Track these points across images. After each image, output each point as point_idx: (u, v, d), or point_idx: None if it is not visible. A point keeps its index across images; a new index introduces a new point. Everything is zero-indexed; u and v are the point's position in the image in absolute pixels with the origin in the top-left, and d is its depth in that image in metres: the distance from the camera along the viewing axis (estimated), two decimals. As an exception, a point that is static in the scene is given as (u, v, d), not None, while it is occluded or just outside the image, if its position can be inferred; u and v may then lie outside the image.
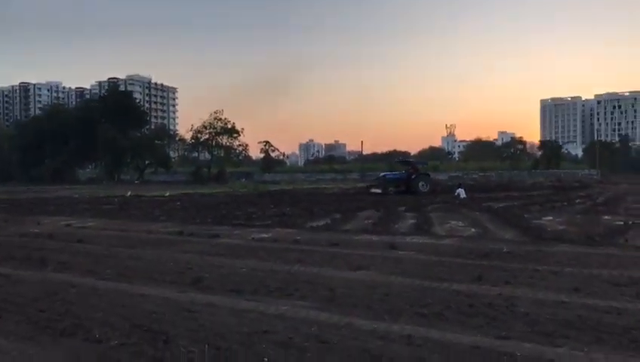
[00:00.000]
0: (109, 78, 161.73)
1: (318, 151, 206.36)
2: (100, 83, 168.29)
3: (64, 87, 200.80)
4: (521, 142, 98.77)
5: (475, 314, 5.72)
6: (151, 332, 5.14)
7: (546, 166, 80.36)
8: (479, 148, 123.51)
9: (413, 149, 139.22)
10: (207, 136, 78.49)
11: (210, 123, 77.47)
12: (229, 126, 77.81)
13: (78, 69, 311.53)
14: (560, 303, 6.13)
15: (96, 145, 69.70)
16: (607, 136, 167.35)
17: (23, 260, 9.59)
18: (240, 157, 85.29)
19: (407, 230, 13.91)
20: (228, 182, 63.49)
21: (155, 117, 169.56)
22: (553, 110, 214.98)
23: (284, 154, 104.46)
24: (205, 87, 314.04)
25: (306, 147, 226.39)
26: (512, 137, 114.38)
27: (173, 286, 7.21)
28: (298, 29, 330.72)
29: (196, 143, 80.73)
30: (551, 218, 16.94)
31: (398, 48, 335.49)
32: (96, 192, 38.03)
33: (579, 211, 19.68)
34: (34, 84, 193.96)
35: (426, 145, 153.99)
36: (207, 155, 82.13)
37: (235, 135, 78.42)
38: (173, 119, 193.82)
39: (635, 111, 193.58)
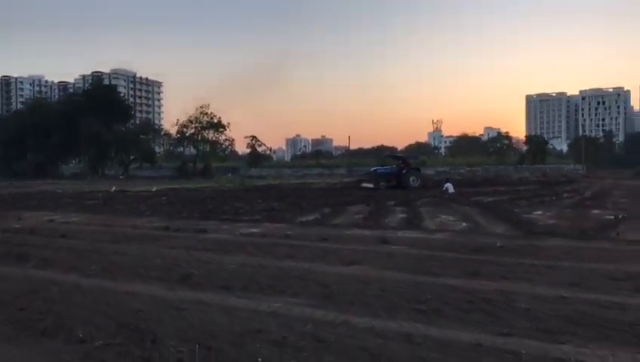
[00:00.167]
0: (93, 72, 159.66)
1: (305, 147, 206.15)
2: (83, 77, 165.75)
3: (47, 81, 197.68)
4: (507, 137, 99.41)
5: (474, 310, 5.55)
6: (138, 332, 4.88)
7: (532, 161, 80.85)
8: (465, 144, 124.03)
9: (400, 144, 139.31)
10: (192, 130, 77.65)
11: (195, 117, 76.63)
12: (215, 120, 77.05)
13: (62, 63, 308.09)
14: (560, 298, 5.98)
15: (79, 140, 68.69)
16: (591, 131, 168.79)
17: (3, 256, 9.23)
18: (226, 152, 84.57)
19: (397, 224, 13.76)
20: (214, 177, 62.91)
21: (140, 111, 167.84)
22: (538, 106, 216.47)
23: (270, 149, 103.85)
24: (191, 82, 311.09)
25: (292, 142, 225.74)
26: (498, 132, 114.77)
27: (161, 283, 6.94)
28: (284, 24, 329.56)
29: (182, 138, 79.90)
30: (540, 212, 16.91)
31: (384, 44, 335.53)
32: (80, 187, 37.39)
33: (567, 205, 19.71)
34: (16, 78, 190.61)
35: (412, 141, 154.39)
36: (193, 150, 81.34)
37: (221, 129, 77.66)
38: (159, 113, 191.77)
39: (618, 107, 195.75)
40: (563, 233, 11.62)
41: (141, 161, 79.06)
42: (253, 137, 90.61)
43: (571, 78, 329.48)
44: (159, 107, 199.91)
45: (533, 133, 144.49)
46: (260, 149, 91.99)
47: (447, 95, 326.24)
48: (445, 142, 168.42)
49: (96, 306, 5.81)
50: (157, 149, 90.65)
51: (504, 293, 6.21)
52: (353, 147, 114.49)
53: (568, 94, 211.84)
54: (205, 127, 77.14)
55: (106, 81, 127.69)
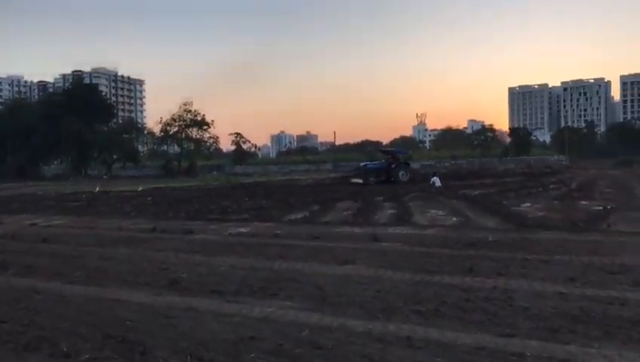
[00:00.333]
0: (74, 71, 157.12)
1: (290, 143, 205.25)
2: (63, 76, 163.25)
3: (26, 81, 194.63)
4: (491, 130, 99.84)
5: (474, 310, 5.40)
6: (126, 343, 4.66)
7: (516, 153, 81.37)
8: (450, 137, 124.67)
9: (385, 139, 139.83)
10: (176, 128, 76.94)
11: (179, 115, 75.91)
12: (199, 118, 76.39)
13: (41, 63, 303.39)
14: (558, 294, 5.87)
15: (61, 140, 67.62)
16: (573, 122, 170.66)
17: (-18, 264, 8.89)
18: (211, 150, 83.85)
19: (387, 220, 13.60)
20: (199, 175, 62.39)
21: (123, 110, 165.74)
22: (521, 98, 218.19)
23: (255, 146, 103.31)
24: (174, 80, 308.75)
25: (277, 138, 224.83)
26: (482, 125, 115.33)
27: (149, 289, 6.70)
28: (267, 19, 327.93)
29: (165, 136, 79.10)
30: (529, 204, 16.88)
31: (368, 39, 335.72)
32: (63, 189, 36.71)
33: (555, 197, 19.71)
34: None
35: (397, 135, 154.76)
36: (177, 148, 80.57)
37: (205, 127, 77.03)
38: (141, 112, 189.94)
39: (599, 97, 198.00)
40: (554, 225, 11.55)
41: (124, 160, 78.08)
42: (238, 134, 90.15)
43: (553, 69, 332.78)
44: (142, 105, 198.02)
45: (516, 125, 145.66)
46: (244, 146, 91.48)
47: (431, 89, 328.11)
48: (430, 135, 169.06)
49: (81, 316, 5.57)
50: (140, 148, 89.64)
51: (502, 291, 6.08)
52: (339, 142, 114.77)
53: (550, 86, 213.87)
54: (189, 125, 76.48)
55: (87, 80, 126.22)
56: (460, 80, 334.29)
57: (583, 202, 17.17)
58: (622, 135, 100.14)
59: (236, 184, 38.72)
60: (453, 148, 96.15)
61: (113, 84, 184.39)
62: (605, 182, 29.52)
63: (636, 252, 8.30)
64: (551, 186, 26.28)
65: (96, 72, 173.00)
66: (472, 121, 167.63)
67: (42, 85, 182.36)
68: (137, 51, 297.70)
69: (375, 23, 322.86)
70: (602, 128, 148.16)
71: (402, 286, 6.44)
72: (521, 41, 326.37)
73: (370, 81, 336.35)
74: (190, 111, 75.76)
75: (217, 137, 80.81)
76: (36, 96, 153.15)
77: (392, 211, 15.63)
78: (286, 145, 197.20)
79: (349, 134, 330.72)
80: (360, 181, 32.16)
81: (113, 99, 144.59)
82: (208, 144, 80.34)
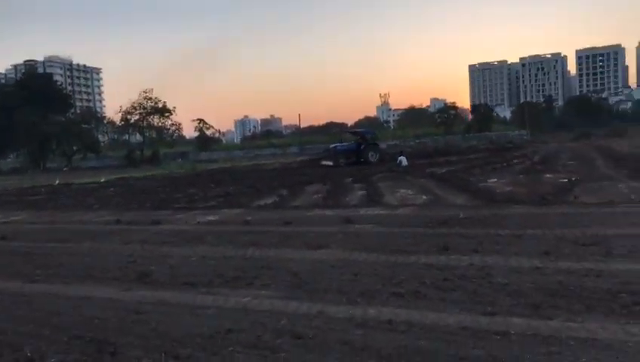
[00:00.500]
0: (25, 61, 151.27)
1: (254, 127, 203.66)
2: (15, 66, 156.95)
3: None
4: (453, 107, 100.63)
5: (453, 289, 5.34)
6: (95, 344, 4.40)
7: (478, 129, 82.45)
8: (413, 116, 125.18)
9: (350, 120, 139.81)
10: (137, 117, 75.01)
11: (139, 103, 73.88)
12: (160, 105, 74.63)
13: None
14: (535, 269, 5.87)
15: (16, 133, 65.17)
16: (532, 97, 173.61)
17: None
18: (173, 137, 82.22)
19: (358, 202, 13.52)
20: (162, 163, 61.18)
21: (80, 100, 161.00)
22: (481, 75, 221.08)
23: (219, 132, 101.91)
24: (132, 68, 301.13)
25: (241, 123, 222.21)
26: (444, 103, 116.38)
27: (117, 284, 6.42)
28: (225, 3, 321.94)
29: (126, 125, 77.03)
30: (495, 180, 17.07)
31: (328, 21, 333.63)
32: (21, 183, 35.40)
33: (519, 171, 20.00)
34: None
35: (362, 116, 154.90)
36: (139, 137, 78.72)
37: (167, 114, 75.36)
38: (100, 101, 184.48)
39: (557, 72, 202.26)
40: (522, 200, 11.66)
41: (85, 151, 75.79)
42: (201, 120, 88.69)
43: (512, 46, 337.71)
44: (100, 94, 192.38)
45: (477, 102, 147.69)
46: (208, 132, 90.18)
47: (393, 69, 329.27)
48: (393, 115, 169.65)
49: (45, 317, 5.28)
50: (101, 138, 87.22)
51: (479, 268, 6.05)
52: (303, 125, 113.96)
53: (509, 62, 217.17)
54: (150, 113, 74.63)
55: (40, 70, 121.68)
56: (422, 59, 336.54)
57: (548, 175, 17.45)
58: (579, 108, 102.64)
59: (202, 171, 38.05)
60: (416, 127, 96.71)
61: (68, 73, 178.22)
62: (567, 154, 30.17)
63: (605, 223, 8.42)
64: (515, 161, 26.69)
65: (50, 61, 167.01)
66: (434, 100, 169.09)
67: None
68: (93, 39, 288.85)
69: (334, 3, 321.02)
70: (560, 102, 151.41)
71: (379, 268, 6.34)
72: (480, 19, 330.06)
73: (333, 62, 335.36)
74: (151, 98, 73.96)
75: (180, 124, 79.43)
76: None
77: (362, 192, 15.55)
78: (250, 129, 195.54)
79: (313, 117, 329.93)
80: (330, 163, 32.01)
81: (69, 88, 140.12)
82: (171, 131, 78.77)
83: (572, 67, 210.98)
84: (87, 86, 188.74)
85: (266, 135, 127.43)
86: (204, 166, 47.62)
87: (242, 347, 4.15)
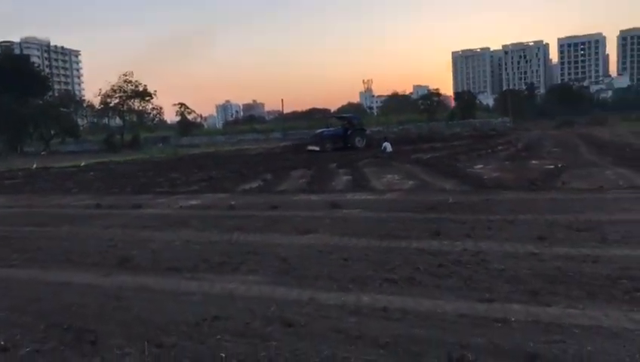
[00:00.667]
0: (1, 42, 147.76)
1: (236, 112, 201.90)
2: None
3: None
4: (436, 94, 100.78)
5: (448, 275, 5.17)
6: (73, 332, 4.15)
7: (462, 116, 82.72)
8: (396, 103, 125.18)
9: (333, 106, 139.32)
10: (117, 100, 73.59)
11: (119, 86, 72.47)
12: (141, 89, 73.30)
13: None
14: (531, 255, 5.73)
15: (-9, 116, 63.60)
16: (514, 85, 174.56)
17: None
18: (154, 122, 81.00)
19: (344, 187, 13.32)
20: (143, 148, 60.34)
21: (58, 82, 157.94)
22: (464, 62, 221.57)
23: (201, 117, 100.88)
24: (111, 49, 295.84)
25: (223, 108, 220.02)
26: (427, 90, 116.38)
27: (97, 269, 6.14)
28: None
29: (106, 109, 75.52)
30: (481, 166, 17.01)
31: (311, 6, 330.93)
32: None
33: (505, 158, 19.97)
34: None
35: (345, 102, 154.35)
36: (119, 121, 77.37)
37: (148, 98, 74.08)
38: (79, 84, 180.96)
39: (539, 60, 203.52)
40: (511, 186, 11.58)
41: (63, 135, 74.36)
42: (182, 105, 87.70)
43: (495, 33, 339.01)
44: (79, 77, 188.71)
45: (460, 89, 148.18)
46: (190, 117, 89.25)
47: (376, 55, 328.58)
48: (377, 101, 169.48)
49: (21, 303, 4.99)
50: (80, 122, 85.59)
51: (473, 253, 5.89)
52: (286, 111, 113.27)
53: (492, 49, 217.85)
54: (130, 96, 73.22)
55: (17, 52, 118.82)
56: (405, 46, 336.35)
57: (534, 161, 17.44)
58: (561, 96, 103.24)
59: (183, 155, 37.55)
60: (400, 113, 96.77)
61: (46, 55, 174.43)
62: (550, 142, 30.30)
63: (597, 208, 8.34)
64: (499, 148, 26.69)
65: (27, 42, 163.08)
66: (417, 87, 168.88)
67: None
68: (71, 20, 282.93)
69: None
70: (542, 90, 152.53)
71: (370, 253, 6.15)
72: (463, 6, 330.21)
73: (317, 48, 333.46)
74: (131, 81, 72.56)
75: (161, 108, 78.19)
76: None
77: (347, 177, 15.36)
78: (232, 114, 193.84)
79: (296, 102, 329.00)
80: (317, 148, 31.72)
81: (47, 71, 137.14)
82: (152, 115, 77.55)
83: (554, 55, 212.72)
84: (66, 69, 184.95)
85: (248, 120, 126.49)
86: (185, 151, 47.09)
87: (230, 335, 3.92)
